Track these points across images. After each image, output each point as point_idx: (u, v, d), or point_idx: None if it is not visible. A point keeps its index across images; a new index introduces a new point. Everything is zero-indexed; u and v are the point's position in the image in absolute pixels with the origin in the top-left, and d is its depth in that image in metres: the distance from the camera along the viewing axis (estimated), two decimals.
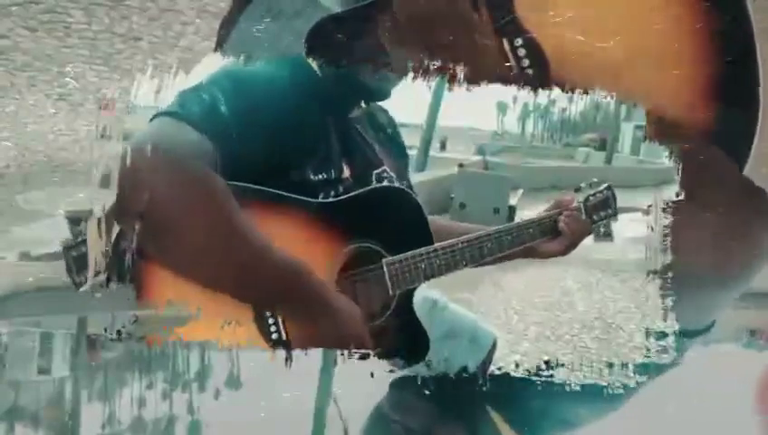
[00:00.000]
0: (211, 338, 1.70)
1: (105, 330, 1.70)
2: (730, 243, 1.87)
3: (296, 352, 1.74)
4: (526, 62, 1.70)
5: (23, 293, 1.73)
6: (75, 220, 1.69)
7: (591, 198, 2.10)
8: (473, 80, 1.72)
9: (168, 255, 1.62)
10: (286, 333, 1.71)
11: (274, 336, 1.70)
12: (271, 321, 1.69)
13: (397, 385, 1.91)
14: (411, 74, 1.74)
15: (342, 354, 1.80)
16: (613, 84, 1.72)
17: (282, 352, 1.73)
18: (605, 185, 2.12)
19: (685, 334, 1.92)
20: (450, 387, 1.93)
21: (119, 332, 1.69)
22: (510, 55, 1.69)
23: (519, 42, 1.69)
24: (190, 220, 1.57)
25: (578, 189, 2.10)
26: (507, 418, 1.96)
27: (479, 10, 1.69)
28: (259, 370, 1.79)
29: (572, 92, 1.73)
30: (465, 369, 1.98)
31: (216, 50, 1.78)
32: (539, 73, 1.71)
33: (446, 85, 1.74)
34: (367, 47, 1.74)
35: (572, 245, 2.07)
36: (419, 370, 1.91)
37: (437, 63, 1.71)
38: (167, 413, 1.79)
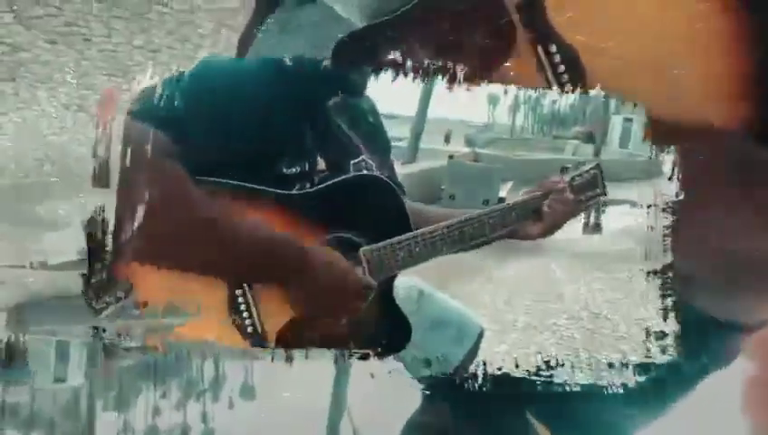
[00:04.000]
0: (211, 338, 1.72)
1: (104, 342, 1.71)
2: None
3: (305, 360, 1.76)
4: (562, 68, 1.70)
5: (40, 301, 1.74)
6: (93, 228, 1.70)
7: (577, 178, 2.08)
8: (473, 80, 1.73)
9: (142, 248, 1.63)
10: (261, 325, 1.72)
11: (249, 330, 1.71)
12: (246, 314, 1.70)
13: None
14: (411, 74, 1.75)
15: (343, 355, 1.81)
16: (613, 84, 1.73)
17: (289, 359, 1.74)
18: (592, 164, 2.11)
19: (735, 328, 1.92)
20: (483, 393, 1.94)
21: (118, 333, 1.70)
22: (545, 62, 1.70)
23: (554, 48, 1.69)
24: (149, 209, 1.59)
25: (563, 170, 2.09)
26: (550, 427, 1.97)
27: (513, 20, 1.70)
28: (272, 379, 1.80)
29: (572, 93, 1.74)
30: (463, 367, 1.99)
31: None
32: (574, 78, 1.72)
33: (446, 85, 1.74)
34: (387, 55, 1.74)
35: (553, 227, 2.05)
36: (418, 372, 1.92)
37: (437, 63, 1.72)
38: (181, 422, 1.80)
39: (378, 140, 2.07)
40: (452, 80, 1.72)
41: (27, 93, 1.69)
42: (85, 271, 1.67)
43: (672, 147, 1.78)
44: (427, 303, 2.15)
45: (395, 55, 1.72)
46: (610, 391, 1.94)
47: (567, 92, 1.72)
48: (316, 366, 1.79)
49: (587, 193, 2.09)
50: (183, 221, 1.62)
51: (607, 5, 1.72)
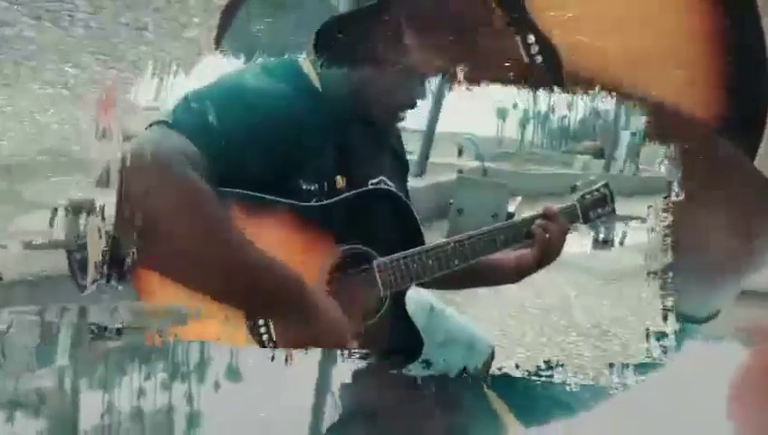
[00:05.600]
0: (210, 338, 1.71)
1: (105, 329, 1.71)
2: (737, 236, 1.87)
3: (303, 357, 1.75)
4: (539, 59, 1.71)
5: (25, 282, 1.74)
6: (76, 210, 1.70)
7: (588, 196, 2.11)
8: (473, 80, 1.73)
9: (155, 258, 1.63)
10: (275, 338, 1.72)
11: (264, 338, 1.71)
12: (263, 330, 1.70)
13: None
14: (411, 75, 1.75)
15: (342, 354, 1.81)
16: (613, 84, 1.73)
17: (289, 358, 1.74)
18: (602, 183, 2.13)
19: (686, 320, 1.93)
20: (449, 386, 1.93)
21: (118, 330, 1.70)
22: (523, 53, 1.71)
23: (531, 39, 1.70)
24: (173, 221, 1.60)
25: (573, 188, 2.11)
26: (506, 401, 1.97)
27: (492, 10, 1.71)
28: (259, 362, 1.79)
29: (572, 93, 1.74)
30: (464, 370, 1.99)
31: (215, 41, 1.80)
32: (552, 70, 1.72)
33: (447, 86, 1.75)
34: (372, 49, 1.75)
35: (546, 252, 2.06)
36: (419, 371, 1.92)
37: (437, 63, 1.72)
38: (166, 404, 1.80)
39: (397, 163, 2.10)
40: (452, 79, 1.73)
41: (10, 71, 1.69)
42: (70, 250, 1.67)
43: (672, 145, 1.78)
44: (438, 319, 2.15)
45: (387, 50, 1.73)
46: (611, 392, 1.94)
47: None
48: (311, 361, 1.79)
49: (597, 210, 2.12)
50: (199, 240, 1.62)
51: (606, 5, 1.72)
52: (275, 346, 1.73)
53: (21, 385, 1.74)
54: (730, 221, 1.84)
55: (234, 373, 1.82)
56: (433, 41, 1.73)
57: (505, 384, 1.98)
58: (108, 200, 1.65)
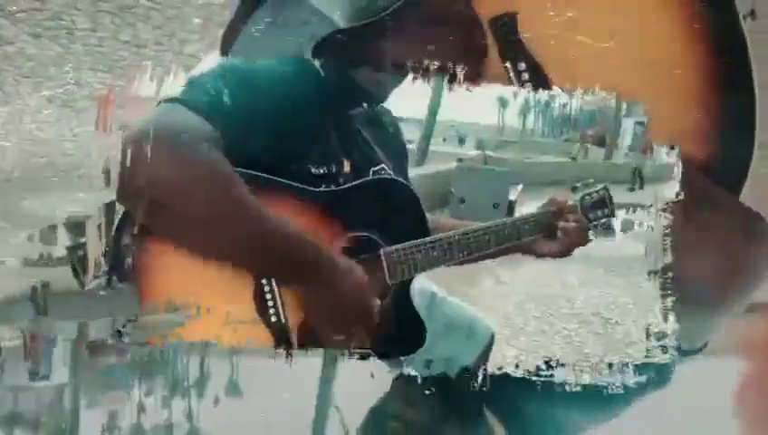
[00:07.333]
0: (211, 338, 1.71)
1: (105, 344, 1.71)
2: (726, 267, 1.88)
3: (296, 355, 1.75)
4: (529, 86, 1.72)
5: (24, 298, 1.73)
6: (75, 226, 1.70)
7: (587, 197, 2.13)
8: (473, 80, 1.73)
9: (171, 229, 1.65)
10: (285, 314, 1.72)
11: (273, 319, 1.71)
12: (270, 303, 1.70)
13: (399, 381, 1.92)
14: (411, 75, 1.75)
15: (342, 354, 1.81)
16: (613, 85, 1.73)
17: (282, 358, 1.74)
18: (601, 185, 2.15)
19: (681, 354, 1.94)
20: (451, 385, 1.93)
21: (119, 332, 1.70)
22: (513, 78, 1.72)
23: (522, 66, 1.71)
24: (192, 193, 1.61)
25: (574, 189, 2.12)
26: (505, 423, 1.97)
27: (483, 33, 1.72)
28: (259, 376, 1.79)
29: (572, 93, 1.74)
30: (465, 369, 1.99)
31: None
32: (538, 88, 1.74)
33: (447, 86, 1.75)
34: (372, 56, 1.76)
35: (569, 247, 2.10)
36: (420, 370, 1.92)
37: (437, 63, 1.72)
38: (166, 420, 1.80)
39: (397, 151, 2.12)
40: (452, 80, 1.73)
41: (11, 87, 1.69)
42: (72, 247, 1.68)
43: (673, 146, 1.78)
44: (440, 306, 2.17)
45: (393, 55, 1.74)
46: (610, 391, 1.94)
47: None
48: (306, 363, 1.78)
49: (596, 212, 2.13)
50: (216, 204, 1.63)
51: (607, 5, 1.72)
52: (286, 328, 1.72)
53: (20, 401, 1.75)
54: (718, 254, 1.86)
55: (234, 388, 1.82)
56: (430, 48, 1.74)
57: (503, 405, 1.99)
58: (107, 199, 1.66)
